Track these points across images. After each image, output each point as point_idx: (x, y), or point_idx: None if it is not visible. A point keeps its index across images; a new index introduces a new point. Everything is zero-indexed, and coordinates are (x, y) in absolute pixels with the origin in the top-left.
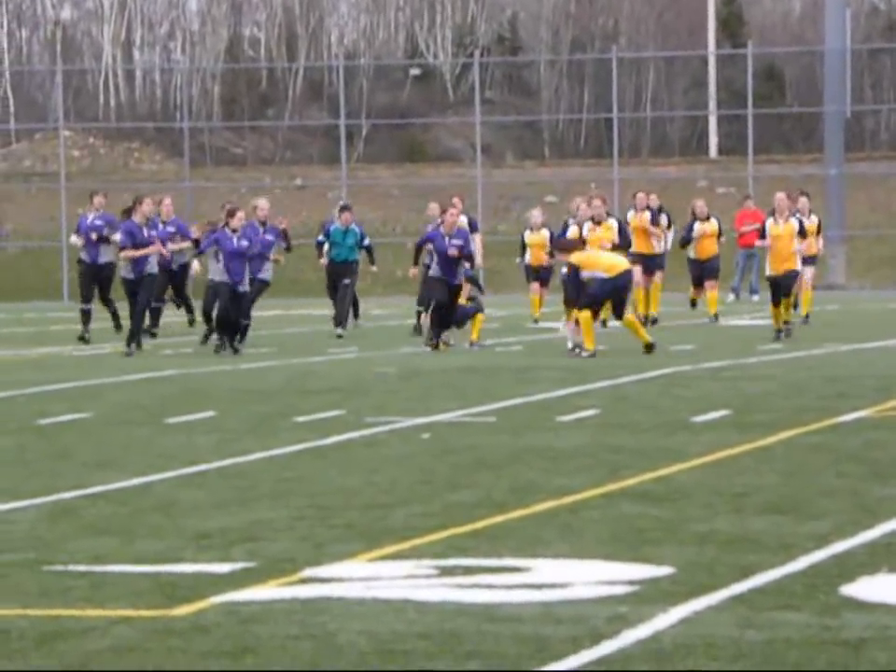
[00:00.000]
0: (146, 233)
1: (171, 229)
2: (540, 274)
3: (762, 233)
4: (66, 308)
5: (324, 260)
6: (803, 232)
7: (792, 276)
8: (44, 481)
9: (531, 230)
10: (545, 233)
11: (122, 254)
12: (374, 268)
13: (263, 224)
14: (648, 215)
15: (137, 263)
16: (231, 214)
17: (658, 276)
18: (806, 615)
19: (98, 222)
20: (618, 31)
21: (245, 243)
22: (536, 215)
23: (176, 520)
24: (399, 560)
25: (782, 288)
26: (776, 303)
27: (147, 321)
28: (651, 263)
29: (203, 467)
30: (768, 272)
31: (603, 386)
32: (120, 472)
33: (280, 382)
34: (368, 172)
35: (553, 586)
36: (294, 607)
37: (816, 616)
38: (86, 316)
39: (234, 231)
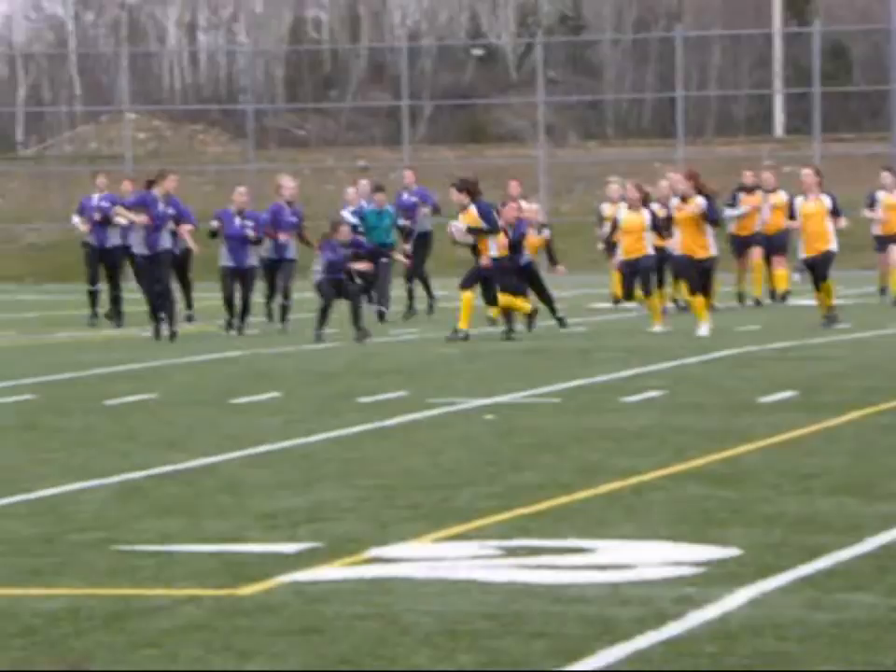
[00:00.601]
0: (160, 207)
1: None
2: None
3: (791, 214)
4: (131, 289)
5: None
6: (836, 211)
7: (828, 259)
8: (111, 461)
9: (611, 202)
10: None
11: (117, 209)
12: (408, 246)
13: (290, 204)
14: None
15: (150, 239)
16: (335, 228)
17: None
18: (875, 596)
19: (104, 203)
20: (682, 9)
21: (249, 224)
22: (615, 189)
23: (242, 500)
24: (464, 541)
25: (818, 271)
26: (817, 287)
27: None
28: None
29: (268, 447)
30: (802, 253)
31: (668, 367)
32: (187, 453)
33: (343, 363)
34: (430, 153)
35: (618, 567)
36: (360, 587)
37: (884, 597)
38: (93, 298)
39: (343, 244)
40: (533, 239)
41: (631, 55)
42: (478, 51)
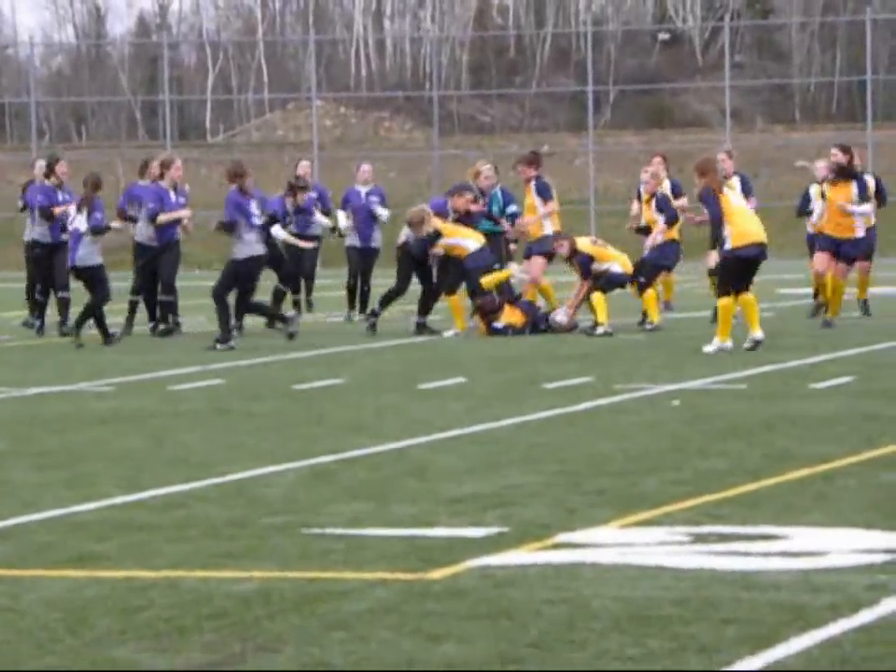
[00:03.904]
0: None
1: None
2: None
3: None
4: (323, 275)
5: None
6: (863, 195)
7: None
8: (300, 445)
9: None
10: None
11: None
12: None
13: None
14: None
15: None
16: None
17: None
18: None
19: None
20: None
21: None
22: (821, 166)
23: (430, 485)
24: (651, 526)
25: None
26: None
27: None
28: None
29: (455, 432)
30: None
31: (858, 353)
32: (374, 437)
33: (528, 348)
34: (615, 138)
35: (809, 554)
36: (548, 571)
37: None
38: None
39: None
40: None
41: (819, 38)
42: (664, 36)
